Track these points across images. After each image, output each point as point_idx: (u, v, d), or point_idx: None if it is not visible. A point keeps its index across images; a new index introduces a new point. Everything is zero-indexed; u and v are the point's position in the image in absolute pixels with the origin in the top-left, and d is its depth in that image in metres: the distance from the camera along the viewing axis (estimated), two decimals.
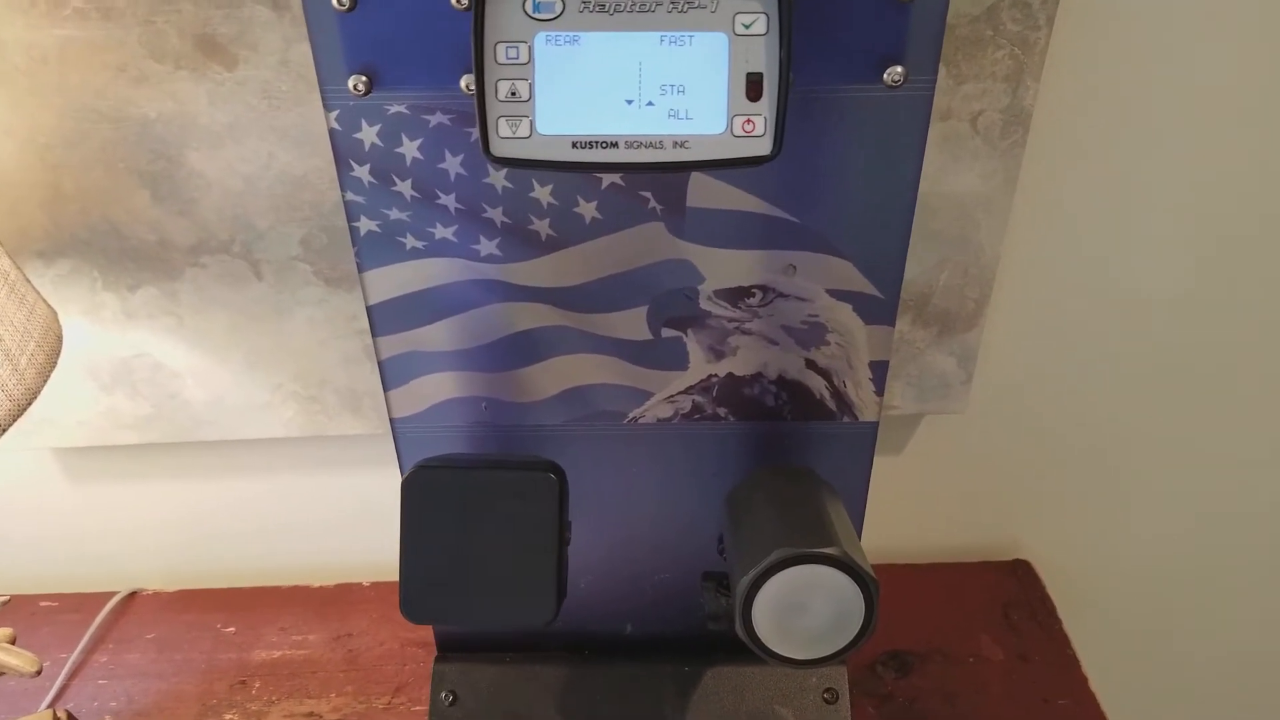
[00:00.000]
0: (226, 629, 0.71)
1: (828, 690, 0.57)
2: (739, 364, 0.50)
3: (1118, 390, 0.71)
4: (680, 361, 0.50)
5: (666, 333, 0.49)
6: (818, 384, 0.51)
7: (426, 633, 0.62)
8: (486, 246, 0.46)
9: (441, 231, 0.46)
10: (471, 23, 0.36)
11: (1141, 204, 0.62)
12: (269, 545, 0.76)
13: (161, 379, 0.65)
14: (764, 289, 0.48)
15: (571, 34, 0.36)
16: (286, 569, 0.76)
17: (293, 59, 0.54)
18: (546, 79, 0.36)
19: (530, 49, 0.36)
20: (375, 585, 0.74)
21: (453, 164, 0.44)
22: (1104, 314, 0.67)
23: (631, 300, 0.48)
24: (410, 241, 0.46)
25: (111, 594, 0.73)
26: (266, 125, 0.55)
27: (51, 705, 0.65)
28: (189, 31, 0.53)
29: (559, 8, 0.36)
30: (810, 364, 0.50)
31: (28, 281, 0.52)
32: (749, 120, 0.37)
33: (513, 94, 0.36)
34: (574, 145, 0.37)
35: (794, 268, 0.47)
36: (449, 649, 0.60)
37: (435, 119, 0.43)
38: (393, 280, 0.47)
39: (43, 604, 0.73)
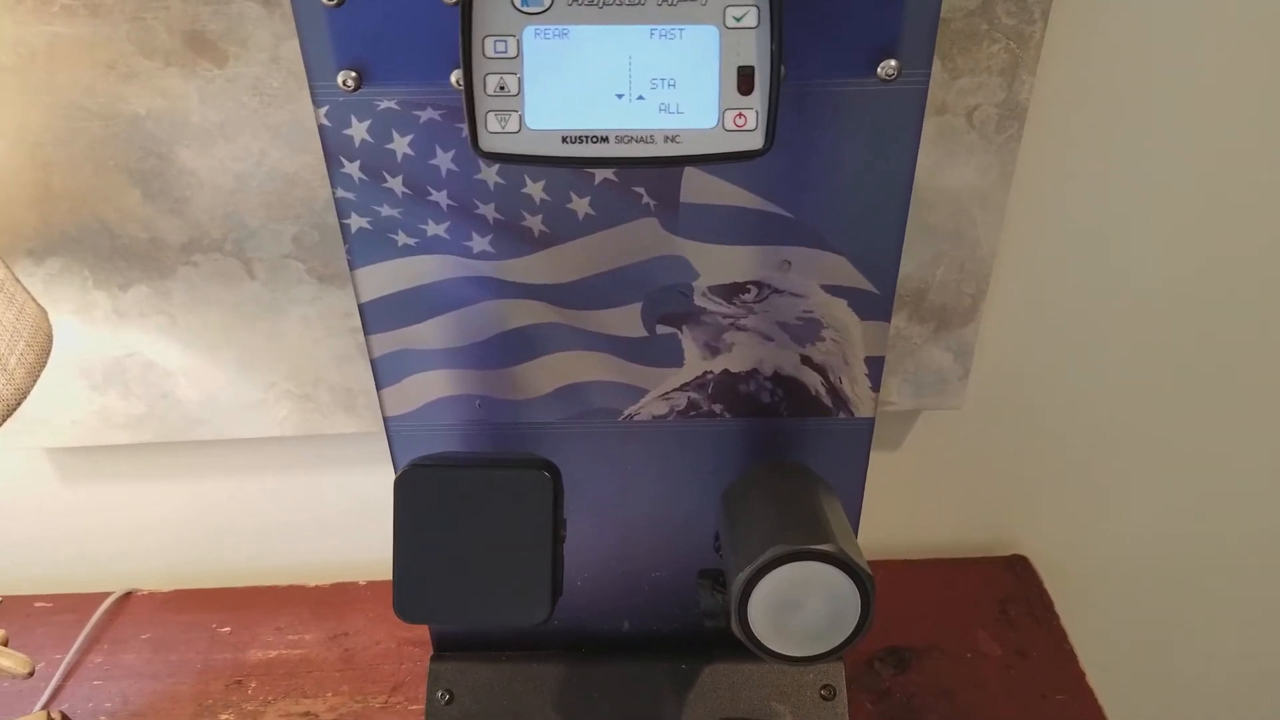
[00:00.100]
0: (222, 629, 0.71)
1: (825, 687, 0.57)
2: (734, 360, 0.50)
3: (1115, 384, 0.70)
4: (675, 358, 0.50)
5: (661, 329, 0.49)
6: (813, 380, 0.50)
7: (423, 632, 0.62)
8: (479, 243, 0.46)
9: (433, 228, 0.45)
10: (459, 16, 0.35)
11: (1137, 197, 0.62)
12: (264, 545, 0.76)
13: (154, 378, 0.64)
14: (759, 285, 0.47)
15: (560, 27, 0.35)
16: (282, 568, 0.76)
17: (283, 55, 0.53)
18: (535, 73, 0.36)
19: (519, 43, 0.36)
20: (371, 584, 0.74)
21: (444, 160, 0.44)
22: (1101, 308, 0.67)
23: (626, 297, 0.48)
24: (402, 238, 0.46)
25: (106, 594, 0.73)
26: (258, 122, 0.55)
27: (46, 706, 0.65)
28: (178, 28, 0.52)
29: (548, 1, 0.35)
30: (806, 360, 0.50)
31: (17, 281, 0.52)
32: (740, 114, 0.36)
33: (501, 88, 0.36)
34: (564, 140, 0.36)
35: (789, 263, 0.47)
36: (445, 648, 0.59)
37: (426, 114, 0.42)
38: (384, 278, 0.47)
39: (37, 605, 0.73)
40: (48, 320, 0.53)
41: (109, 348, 0.63)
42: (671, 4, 0.35)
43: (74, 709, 0.65)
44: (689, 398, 0.51)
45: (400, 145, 0.43)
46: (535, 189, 0.44)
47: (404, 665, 0.68)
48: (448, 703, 0.58)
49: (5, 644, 0.57)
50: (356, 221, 0.45)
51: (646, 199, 0.45)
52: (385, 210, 0.45)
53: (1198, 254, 0.65)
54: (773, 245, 0.46)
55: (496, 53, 0.36)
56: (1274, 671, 0.87)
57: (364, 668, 0.67)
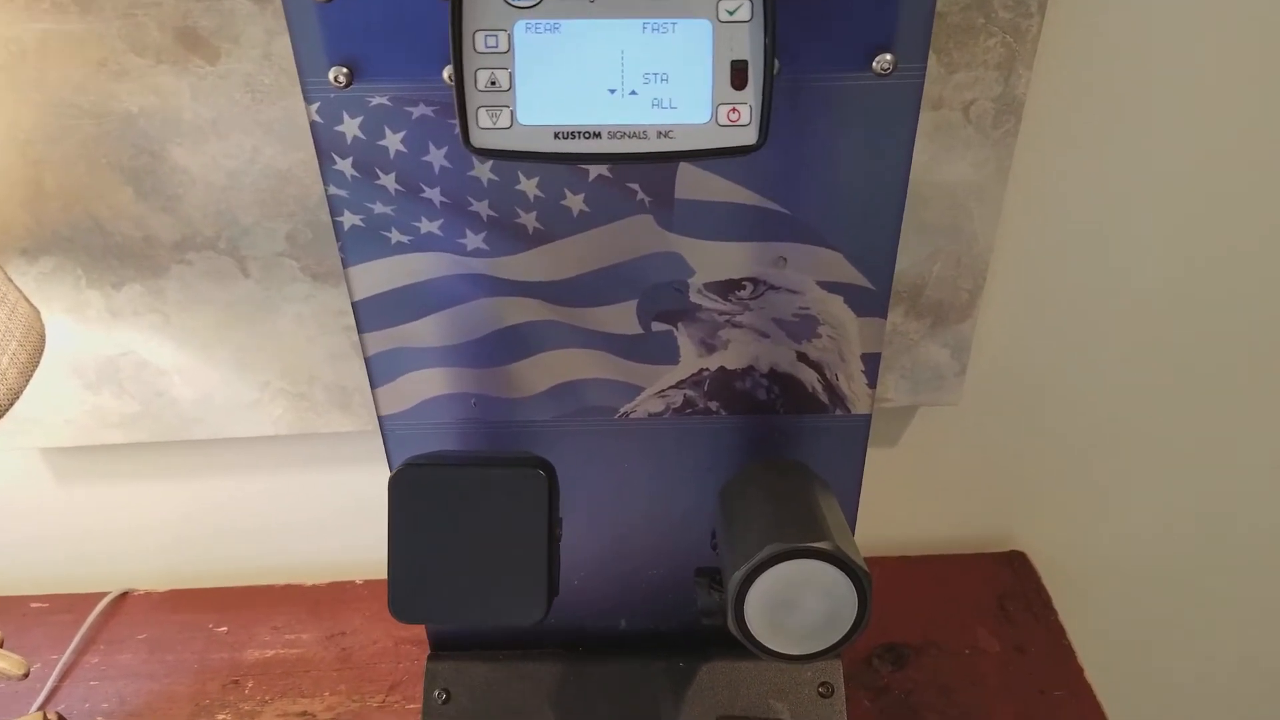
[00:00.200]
0: (219, 629, 0.70)
1: (823, 684, 0.57)
2: (730, 357, 0.49)
3: (1112, 380, 0.70)
4: (671, 355, 0.49)
5: (657, 326, 0.48)
6: (810, 377, 0.50)
7: (420, 631, 0.62)
8: (473, 240, 0.46)
9: (427, 225, 0.45)
10: (449, 11, 0.35)
11: (1135, 192, 0.62)
12: (261, 544, 0.76)
13: (148, 377, 0.64)
14: (754, 281, 0.47)
15: (552, 21, 0.35)
16: (279, 568, 0.76)
17: (275, 52, 0.53)
18: (527, 68, 0.36)
19: (510, 37, 0.35)
20: (368, 583, 0.74)
21: (437, 156, 0.43)
22: (1099, 303, 0.67)
23: (621, 294, 0.47)
24: (395, 236, 0.45)
25: (102, 594, 0.73)
26: (250, 119, 0.55)
27: (42, 707, 0.65)
28: (169, 25, 0.52)
29: None
30: (802, 357, 0.49)
31: (9, 280, 0.52)
32: (734, 109, 0.36)
33: (493, 83, 0.36)
34: (556, 136, 0.36)
35: (784, 260, 0.46)
36: (442, 647, 0.59)
37: (418, 111, 0.42)
38: (378, 275, 0.47)
39: (33, 605, 0.73)
40: (40, 320, 0.53)
41: (102, 347, 0.63)
42: None
43: (70, 710, 0.65)
44: (685, 395, 0.51)
45: (393, 142, 0.43)
46: (529, 185, 0.44)
47: (401, 664, 0.67)
48: (445, 702, 0.58)
49: (1, 645, 0.57)
50: (349, 219, 0.45)
51: (641, 195, 0.44)
52: (378, 207, 0.45)
53: (1196, 248, 0.65)
54: (768, 241, 0.46)
55: (487, 47, 0.35)
56: (1273, 669, 0.87)
57: (361, 667, 0.67)
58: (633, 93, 0.36)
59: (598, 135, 0.36)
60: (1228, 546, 0.79)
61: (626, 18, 0.35)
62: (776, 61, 0.36)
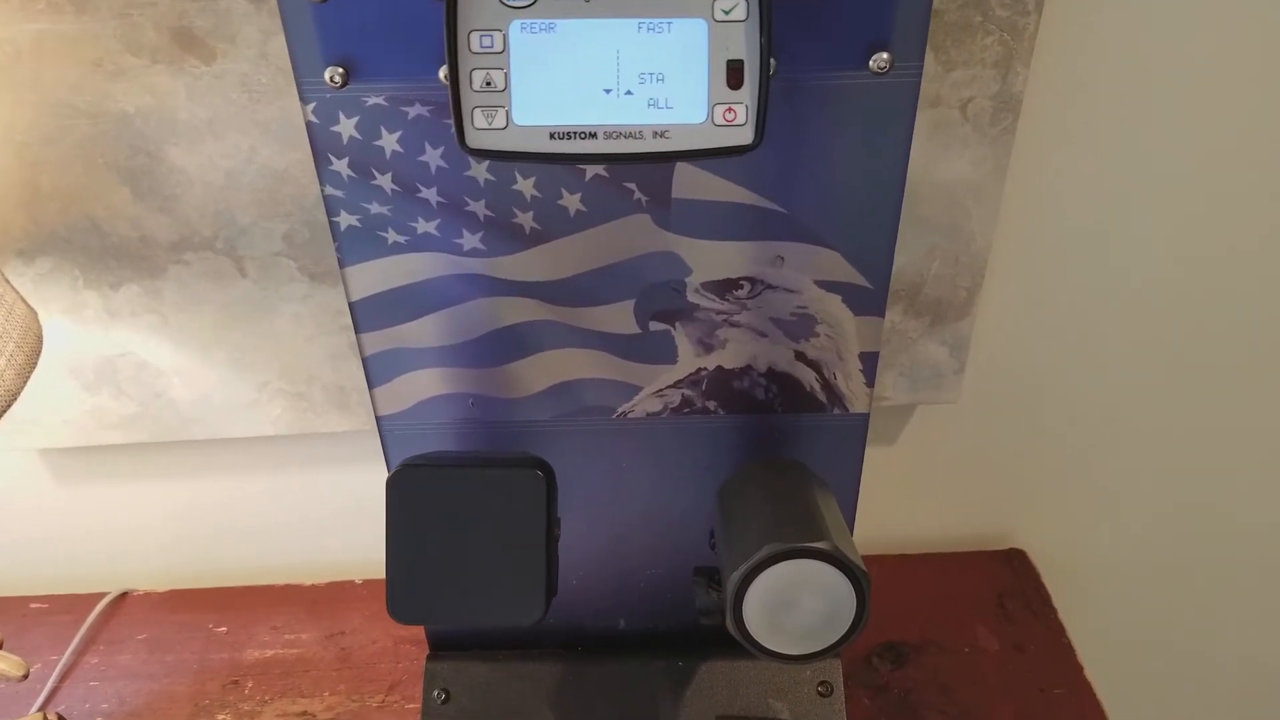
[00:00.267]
0: (218, 629, 0.70)
1: (822, 683, 0.57)
2: (728, 357, 0.49)
3: (1111, 377, 0.70)
4: (669, 355, 0.49)
5: (654, 326, 0.48)
6: (808, 376, 0.50)
7: (419, 630, 0.62)
8: (470, 240, 0.46)
9: (423, 225, 0.45)
10: (444, 11, 0.35)
11: (1133, 190, 0.62)
12: (260, 544, 0.76)
13: (146, 378, 0.64)
14: (752, 281, 0.47)
15: (547, 21, 0.35)
16: (278, 568, 0.76)
17: (271, 51, 0.53)
18: (522, 68, 0.35)
19: (505, 37, 0.35)
20: (368, 583, 0.74)
21: (433, 156, 0.43)
22: (1097, 301, 0.67)
23: (618, 293, 0.47)
24: (392, 236, 0.45)
25: (102, 595, 0.73)
26: (246, 119, 0.55)
27: (42, 708, 0.65)
28: (165, 24, 0.52)
29: None
30: (800, 356, 0.49)
31: (6, 281, 0.52)
32: (730, 109, 0.36)
33: (488, 84, 0.36)
34: (551, 136, 0.36)
35: (782, 259, 0.46)
36: (441, 647, 0.59)
37: (414, 110, 0.42)
38: (375, 276, 0.47)
39: (33, 606, 0.73)
40: (38, 321, 0.53)
41: (100, 347, 0.63)
42: None
43: (70, 710, 0.65)
44: (683, 395, 0.51)
45: (389, 142, 0.43)
46: (526, 185, 0.44)
47: (400, 664, 0.67)
48: (444, 702, 0.58)
49: (0, 646, 0.57)
50: (346, 219, 0.45)
51: (638, 195, 0.44)
52: (375, 208, 0.45)
53: (1194, 246, 0.64)
54: (765, 241, 0.46)
55: (483, 47, 0.35)
56: (1273, 668, 0.87)
57: (361, 667, 0.67)
58: (628, 93, 0.36)
59: (593, 135, 0.36)
60: (1227, 544, 0.79)
61: (622, 17, 0.35)
62: (772, 61, 0.36)
